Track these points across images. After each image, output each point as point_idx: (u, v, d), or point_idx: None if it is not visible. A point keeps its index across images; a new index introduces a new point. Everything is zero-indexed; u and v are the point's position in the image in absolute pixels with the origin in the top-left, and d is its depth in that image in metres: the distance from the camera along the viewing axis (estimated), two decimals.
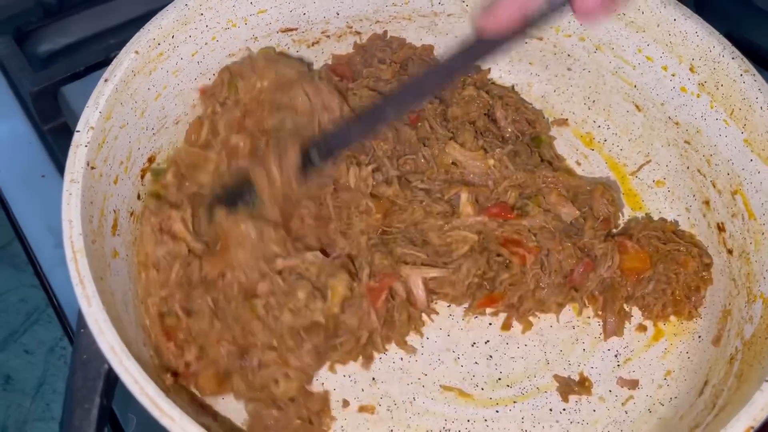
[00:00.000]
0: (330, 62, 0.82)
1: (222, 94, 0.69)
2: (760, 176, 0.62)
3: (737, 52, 0.65)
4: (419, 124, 0.74)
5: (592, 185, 0.72)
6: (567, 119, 0.82)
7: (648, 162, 0.78)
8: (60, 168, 0.82)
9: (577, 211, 0.68)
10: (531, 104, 0.82)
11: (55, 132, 0.87)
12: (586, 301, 0.68)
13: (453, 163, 0.71)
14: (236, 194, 0.62)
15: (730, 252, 0.66)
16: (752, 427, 0.47)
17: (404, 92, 0.57)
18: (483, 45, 0.49)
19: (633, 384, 0.65)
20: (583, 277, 0.66)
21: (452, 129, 0.74)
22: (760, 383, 0.49)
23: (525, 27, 0.47)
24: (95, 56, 0.90)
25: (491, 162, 0.70)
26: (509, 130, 0.77)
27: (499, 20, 0.46)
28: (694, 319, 0.68)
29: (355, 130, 0.61)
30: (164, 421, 0.47)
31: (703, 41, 0.67)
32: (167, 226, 0.62)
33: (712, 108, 0.68)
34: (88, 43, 0.98)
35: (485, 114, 0.77)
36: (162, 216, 0.62)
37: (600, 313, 0.67)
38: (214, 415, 0.58)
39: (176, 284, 0.60)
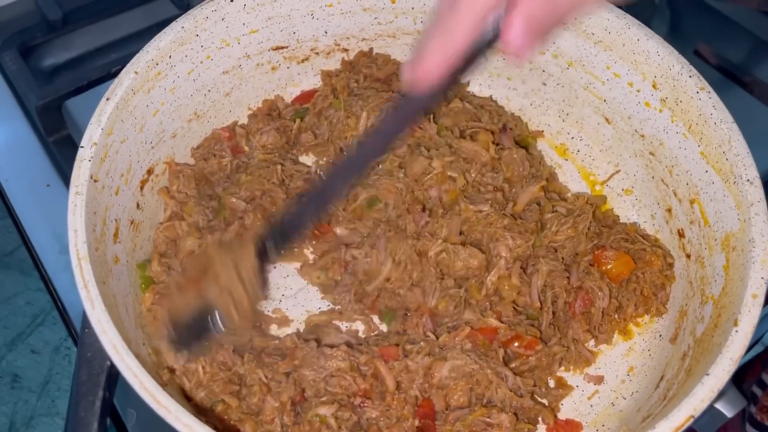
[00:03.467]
0: (319, 76, 0.87)
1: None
2: (714, 186, 0.67)
3: (694, 71, 0.70)
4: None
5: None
6: (543, 131, 0.87)
7: (617, 172, 0.82)
8: (64, 177, 0.87)
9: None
10: (519, 118, 0.86)
11: (59, 143, 0.91)
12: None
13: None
14: (197, 329, 0.58)
15: (688, 256, 0.71)
16: (692, 416, 0.51)
17: (347, 165, 0.54)
18: (417, 100, 0.47)
19: (598, 380, 0.69)
20: (584, 309, 0.70)
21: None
22: (701, 377, 0.53)
23: (454, 73, 0.44)
24: (98, 71, 0.94)
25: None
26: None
27: (427, 70, 0.43)
28: (658, 318, 0.72)
29: (307, 212, 0.57)
30: (161, 412, 0.51)
31: (663, 60, 0.72)
32: None
33: (672, 122, 0.72)
34: (91, 57, 1.02)
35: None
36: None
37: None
38: (200, 408, 0.63)
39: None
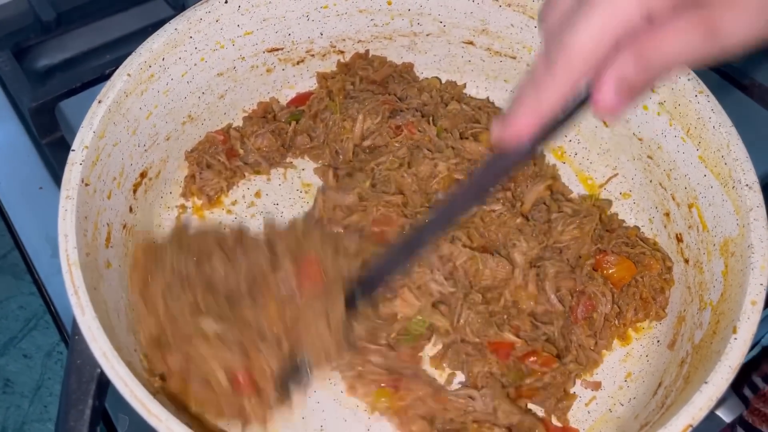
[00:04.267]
0: (314, 79, 0.87)
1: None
2: (712, 191, 0.66)
3: (692, 74, 0.69)
4: None
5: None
6: None
7: (615, 175, 0.82)
8: (57, 180, 0.85)
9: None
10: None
11: (52, 146, 0.90)
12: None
13: None
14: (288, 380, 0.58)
15: (686, 261, 0.70)
16: (690, 425, 0.51)
17: (436, 219, 0.54)
18: (505, 158, 0.46)
19: (596, 386, 0.69)
20: (586, 314, 0.69)
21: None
22: (700, 385, 0.53)
23: (545, 133, 0.43)
24: (92, 73, 0.93)
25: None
26: None
27: (517, 129, 0.43)
28: (656, 323, 0.72)
29: (395, 262, 0.58)
30: (152, 421, 0.51)
31: None
32: None
33: (670, 126, 0.72)
34: (85, 58, 1.01)
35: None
36: None
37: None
38: (194, 417, 0.62)
39: None
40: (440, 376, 0.68)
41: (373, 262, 0.60)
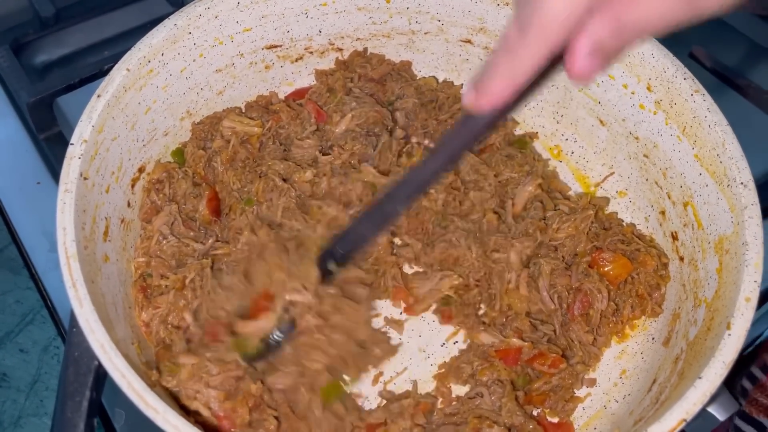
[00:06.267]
0: (313, 76, 0.87)
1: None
2: (707, 189, 0.67)
3: (689, 74, 0.70)
4: None
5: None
6: (537, 132, 0.86)
7: (611, 174, 0.82)
8: (55, 175, 0.86)
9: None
10: None
11: (50, 141, 0.91)
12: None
13: None
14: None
15: (681, 259, 0.71)
16: (684, 420, 0.51)
17: (407, 183, 0.53)
18: (477, 122, 0.46)
19: (591, 382, 0.69)
20: (582, 311, 0.69)
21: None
22: (694, 381, 0.53)
23: (517, 98, 0.43)
24: (90, 68, 0.94)
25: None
26: (498, 139, 0.82)
27: (490, 95, 0.42)
28: (651, 321, 0.72)
29: (365, 229, 0.57)
30: (149, 413, 0.51)
31: (658, 62, 0.71)
32: None
33: (667, 125, 0.72)
34: (83, 54, 1.01)
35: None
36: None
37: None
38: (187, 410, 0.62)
39: None
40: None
41: (345, 230, 0.60)
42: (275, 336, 0.61)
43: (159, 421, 0.50)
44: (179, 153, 0.78)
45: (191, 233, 0.72)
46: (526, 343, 0.66)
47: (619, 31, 0.39)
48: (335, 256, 0.60)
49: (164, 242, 0.70)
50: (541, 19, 0.38)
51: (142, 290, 0.68)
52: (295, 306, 0.61)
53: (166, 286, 0.67)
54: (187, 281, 0.67)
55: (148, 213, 0.72)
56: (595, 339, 0.70)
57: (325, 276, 0.61)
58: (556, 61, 0.41)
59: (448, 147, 0.49)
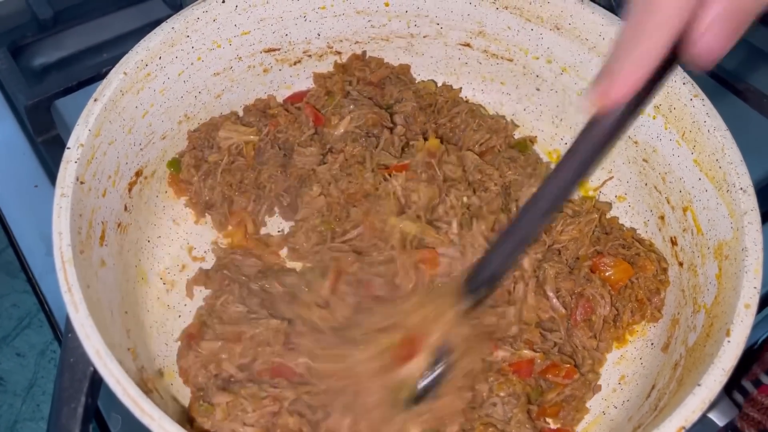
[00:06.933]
0: (311, 79, 0.87)
1: None
2: (707, 194, 0.67)
3: (688, 78, 0.70)
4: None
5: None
6: (536, 136, 0.86)
7: (611, 178, 0.82)
8: (52, 179, 0.85)
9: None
10: (503, 117, 0.86)
11: (48, 144, 0.90)
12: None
13: None
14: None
15: (681, 264, 0.70)
16: (683, 428, 0.51)
17: (542, 199, 0.49)
18: (606, 120, 0.42)
19: (596, 389, 0.69)
20: (585, 317, 0.69)
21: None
22: (693, 387, 0.53)
23: (646, 90, 0.40)
24: (88, 71, 0.93)
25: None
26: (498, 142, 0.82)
27: (620, 85, 0.39)
28: (650, 326, 0.72)
29: (507, 253, 0.53)
30: (145, 420, 0.50)
31: None
32: None
33: (666, 129, 0.72)
34: (81, 57, 1.01)
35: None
36: None
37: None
38: (187, 416, 0.62)
39: None
40: None
41: (484, 256, 0.56)
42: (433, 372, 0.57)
43: (155, 429, 0.50)
44: (175, 163, 0.77)
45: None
46: (538, 354, 0.66)
47: (744, 3, 0.38)
48: (478, 287, 0.55)
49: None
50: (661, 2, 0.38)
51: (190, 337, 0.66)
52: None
53: (217, 335, 0.65)
54: (244, 337, 0.64)
55: None
56: (597, 344, 0.69)
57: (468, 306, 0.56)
58: (676, 51, 0.39)
59: (580, 153, 0.45)
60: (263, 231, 0.78)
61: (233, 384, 0.61)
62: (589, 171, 0.46)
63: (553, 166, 0.83)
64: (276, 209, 0.79)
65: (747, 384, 0.81)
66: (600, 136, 0.43)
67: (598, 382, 0.69)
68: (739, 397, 0.81)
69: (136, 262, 0.72)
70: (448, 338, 0.57)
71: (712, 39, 0.38)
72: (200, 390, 0.62)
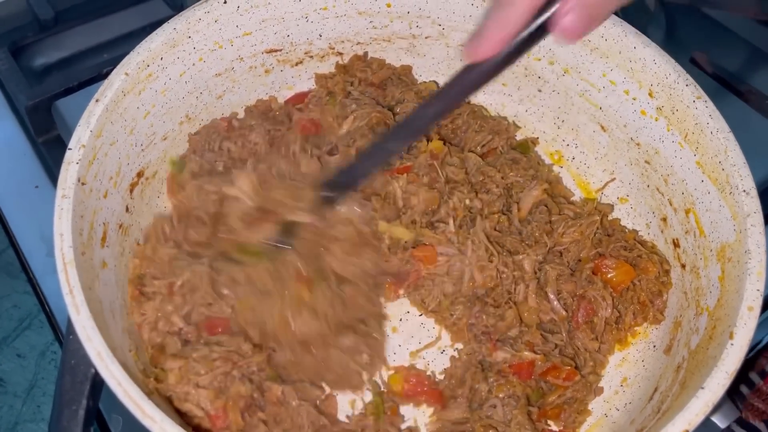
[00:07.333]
0: (313, 80, 0.87)
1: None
2: (709, 196, 0.67)
3: (691, 80, 0.69)
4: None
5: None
6: (537, 138, 0.86)
7: (612, 180, 0.82)
8: (53, 179, 0.85)
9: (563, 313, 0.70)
10: (505, 118, 0.86)
11: (48, 144, 0.90)
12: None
13: None
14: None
15: (683, 267, 0.70)
16: (687, 431, 0.51)
17: (403, 127, 0.58)
18: (473, 72, 0.50)
19: (599, 391, 0.68)
20: (587, 319, 0.69)
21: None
22: (696, 390, 0.52)
23: (511, 52, 0.48)
24: (89, 72, 0.93)
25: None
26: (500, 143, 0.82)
27: (486, 44, 0.48)
28: (653, 329, 0.72)
29: (362, 167, 0.63)
30: (146, 422, 0.50)
31: (660, 68, 0.71)
32: None
33: (668, 131, 0.72)
34: (82, 57, 1.01)
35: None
36: None
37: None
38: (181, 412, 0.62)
39: None
40: None
41: (341, 167, 0.66)
42: (275, 243, 0.65)
43: (156, 431, 0.50)
44: (180, 163, 0.77)
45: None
46: (538, 356, 0.66)
47: None
48: (335, 185, 0.64)
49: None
50: None
51: (137, 294, 0.67)
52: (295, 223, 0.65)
53: (154, 292, 0.67)
54: (176, 287, 0.66)
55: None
56: (599, 346, 0.69)
57: (325, 202, 0.65)
58: (545, 21, 0.47)
59: (448, 93, 0.54)
60: None
61: (186, 346, 0.63)
62: (453, 109, 0.61)
63: (554, 168, 0.84)
64: None
65: (753, 376, 0.81)
66: (468, 81, 0.52)
67: (600, 384, 0.68)
68: (745, 389, 0.81)
69: None
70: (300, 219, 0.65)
71: (571, 21, 0.46)
72: (157, 348, 0.64)
